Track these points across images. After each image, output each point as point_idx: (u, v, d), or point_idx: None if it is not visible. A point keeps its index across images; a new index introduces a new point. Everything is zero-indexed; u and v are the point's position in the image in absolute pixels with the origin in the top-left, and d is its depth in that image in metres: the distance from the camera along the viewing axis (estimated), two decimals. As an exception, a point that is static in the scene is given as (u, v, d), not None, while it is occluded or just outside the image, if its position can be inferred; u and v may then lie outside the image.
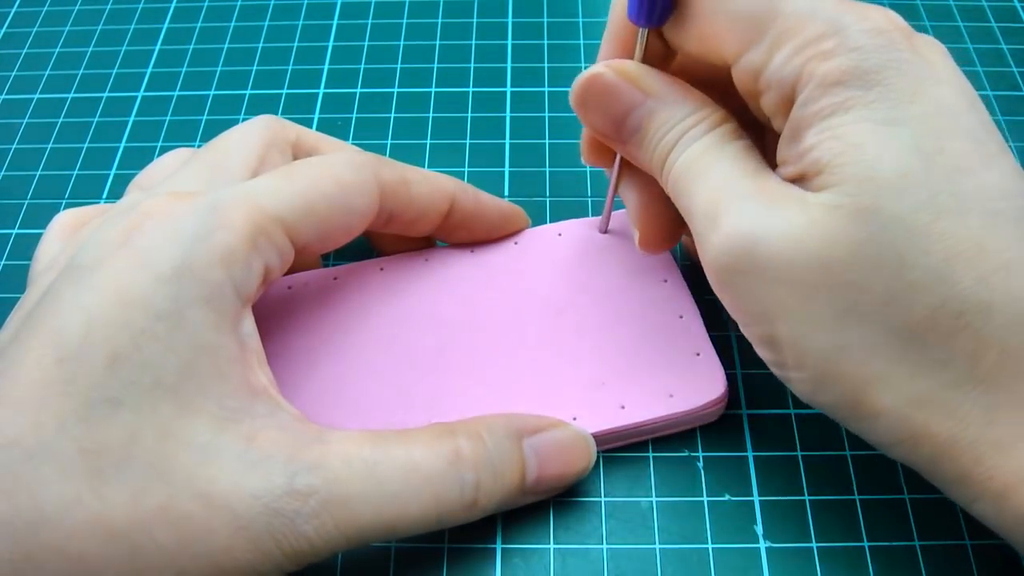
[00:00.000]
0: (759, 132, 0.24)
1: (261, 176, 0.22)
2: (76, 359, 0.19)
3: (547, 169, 0.33)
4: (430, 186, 0.25)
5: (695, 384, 0.25)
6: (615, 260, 0.28)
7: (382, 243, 0.29)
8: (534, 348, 0.26)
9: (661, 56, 0.23)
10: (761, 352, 0.21)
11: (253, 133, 0.25)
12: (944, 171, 0.18)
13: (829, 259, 0.18)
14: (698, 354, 0.25)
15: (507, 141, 0.34)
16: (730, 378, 0.26)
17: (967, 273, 0.18)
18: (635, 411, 0.24)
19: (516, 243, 0.28)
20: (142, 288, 0.19)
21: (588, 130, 0.25)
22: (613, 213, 0.28)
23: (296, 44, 0.38)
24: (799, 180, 0.20)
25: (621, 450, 0.25)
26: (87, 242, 0.20)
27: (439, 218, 0.26)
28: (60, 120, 0.35)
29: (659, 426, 0.25)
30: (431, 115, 0.35)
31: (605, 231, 0.28)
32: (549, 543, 0.24)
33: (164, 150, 0.34)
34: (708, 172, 0.21)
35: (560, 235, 0.28)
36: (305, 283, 0.27)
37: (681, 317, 0.26)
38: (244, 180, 0.23)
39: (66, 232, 0.24)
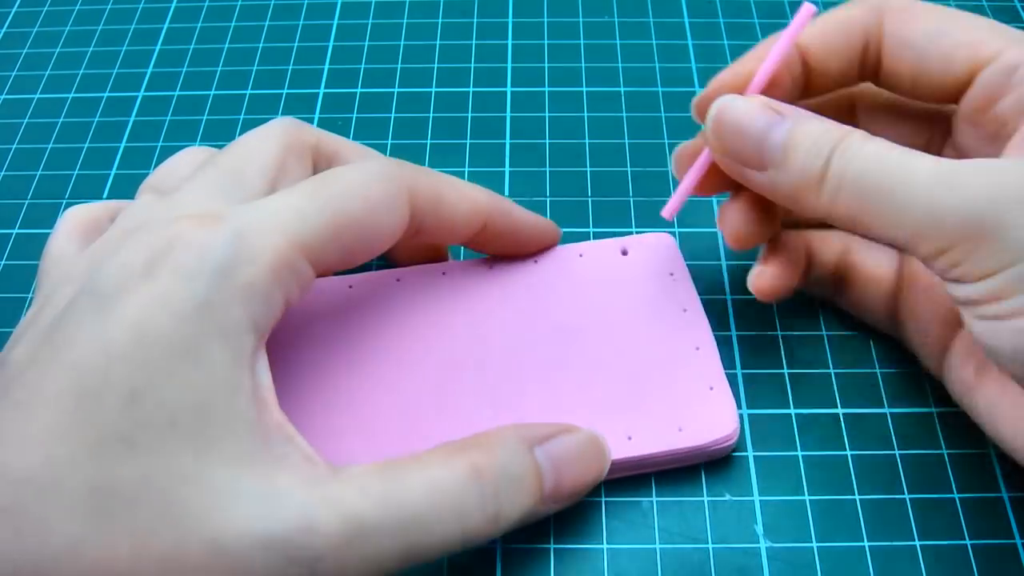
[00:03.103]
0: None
1: (285, 193, 0.21)
2: (95, 396, 0.18)
3: (547, 169, 0.33)
4: (464, 202, 0.25)
5: (706, 419, 0.24)
6: (635, 285, 0.27)
7: (396, 253, 0.28)
8: (545, 370, 0.25)
9: (793, 81, 0.24)
10: None
11: (271, 138, 0.24)
12: None
13: None
14: (712, 388, 0.25)
15: (507, 141, 0.34)
16: (730, 377, 0.26)
17: None
18: (642, 443, 0.24)
19: (536, 261, 0.28)
20: (163, 326, 0.19)
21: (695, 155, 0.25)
22: (640, 237, 0.28)
23: (296, 44, 0.38)
24: None
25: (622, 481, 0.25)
26: (108, 265, 0.20)
27: (470, 234, 0.25)
28: (60, 120, 0.35)
29: (665, 460, 0.24)
30: (431, 115, 0.35)
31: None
32: (549, 543, 0.24)
33: (164, 150, 0.34)
34: (911, 170, 0.19)
35: (581, 256, 0.28)
36: (320, 290, 0.27)
37: (698, 349, 0.26)
38: (262, 190, 0.23)
39: (77, 231, 0.23)
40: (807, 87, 0.25)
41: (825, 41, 0.24)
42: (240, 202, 0.22)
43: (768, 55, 0.23)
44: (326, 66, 0.37)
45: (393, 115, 0.35)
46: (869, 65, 0.24)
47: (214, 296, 0.19)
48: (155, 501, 0.18)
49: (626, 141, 0.34)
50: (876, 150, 0.20)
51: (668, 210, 0.25)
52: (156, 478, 0.18)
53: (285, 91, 0.36)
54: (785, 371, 0.27)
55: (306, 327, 0.26)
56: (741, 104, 0.22)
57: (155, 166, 0.33)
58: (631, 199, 0.32)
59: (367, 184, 0.22)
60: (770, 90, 0.23)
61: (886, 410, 0.26)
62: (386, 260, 0.29)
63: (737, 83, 0.23)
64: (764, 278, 0.24)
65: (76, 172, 0.34)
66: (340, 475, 0.20)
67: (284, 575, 0.18)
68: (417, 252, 0.28)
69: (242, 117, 0.35)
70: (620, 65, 0.37)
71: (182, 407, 0.18)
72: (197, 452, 0.18)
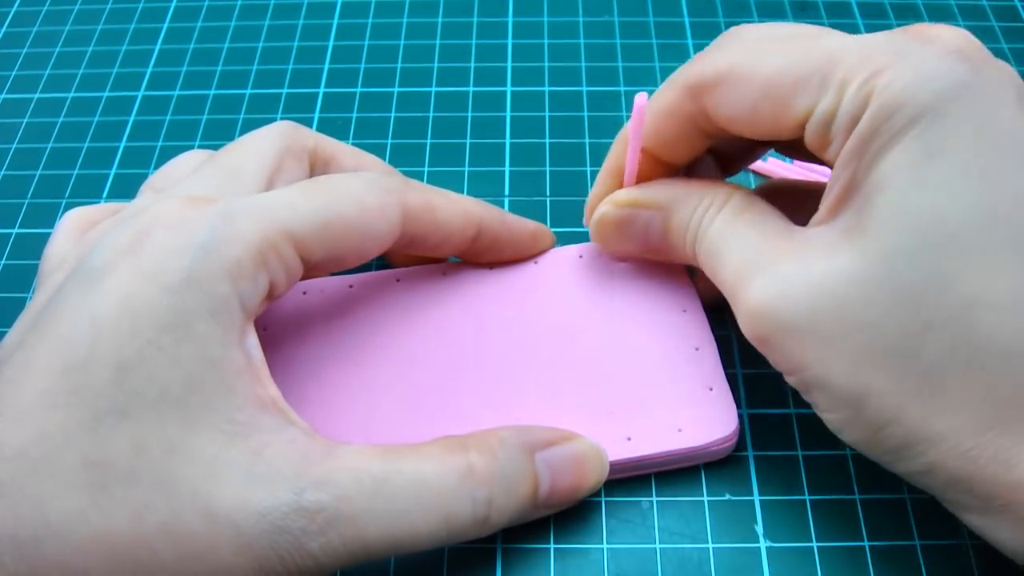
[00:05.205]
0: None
1: (279, 189, 0.22)
2: (83, 369, 0.18)
3: (547, 169, 0.33)
4: (456, 211, 0.25)
5: (706, 420, 0.24)
6: (635, 286, 0.27)
7: (394, 257, 0.29)
8: (544, 370, 0.25)
9: (656, 166, 0.25)
10: (803, 395, 0.21)
11: (270, 139, 0.24)
12: (976, 210, 0.18)
13: (848, 304, 0.19)
14: (711, 389, 0.25)
15: (507, 141, 0.34)
16: (731, 377, 0.26)
17: (985, 315, 0.18)
18: (641, 443, 0.24)
19: (536, 262, 0.28)
20: (148, 298, 0.19)
21: (595, 195, 0.26)
22: None
23: (296, 44, 0.38)
24: (845, 213, 0.19)
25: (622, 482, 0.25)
26: (97, 244, 0.20)
27: (464, 243, 0.26)
28: (60, 120, 0.35)
29: (664, 460, 0.24)
30: (431, 115, 0.35)
31: (624, 259, 0.28)
32: (549, 543, 0.24)
33: (164, 150, 0.34)
34: (725, 249, 0.22)
35: (581, 257, 0.28)
36: (320, 289, 0.27)
37: (697, 349, 0.26)
38: (259, 187, 0.23)
39: (76, 231, 0.23)
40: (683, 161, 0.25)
41: (659, 140, 0.24)
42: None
43: (627, 156, 0.24)
44: (326, 66, 0.37)
45: (393, 115, 0.35)
46: (717, 135, 0.23)
47: (200, 270, 0.19)
48: (148, 472, 0.18)
49: (626, 141, 0.34)
50: (709, 239, 0.22)
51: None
52: (148, 450, 0.18)
53: (285, 91, 0.36)
54: (785, 371, 0.27)
55: (306, 326, 0.26)
56: (613, 212, 0.25)
57: (155, 166, 0.33)
58: (631, 199, 0.32)
59: (361, 189, 0.22)
60: (642, 177, 0.25)
61: (886, 410, 0.26)
62: (387, 263, 0.29)
63: (608, 189, 0.25)
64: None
65: (76, 172, 0.33)
66: (335, 453, 0.20)
67: (274, 544, 0.18)
68: (416, 262, 0.28)
69: (242, 117, 0.35)
70: (620, 65, 0.37)
71: (171, 379, 0.19)
72: (187, 424, 0.19)
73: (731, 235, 0.22)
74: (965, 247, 0.18)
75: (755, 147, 0.27)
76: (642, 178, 0.25)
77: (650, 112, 0.23)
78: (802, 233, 0.21)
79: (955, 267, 0.18)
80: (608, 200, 0.25)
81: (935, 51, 0.18)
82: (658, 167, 0.25)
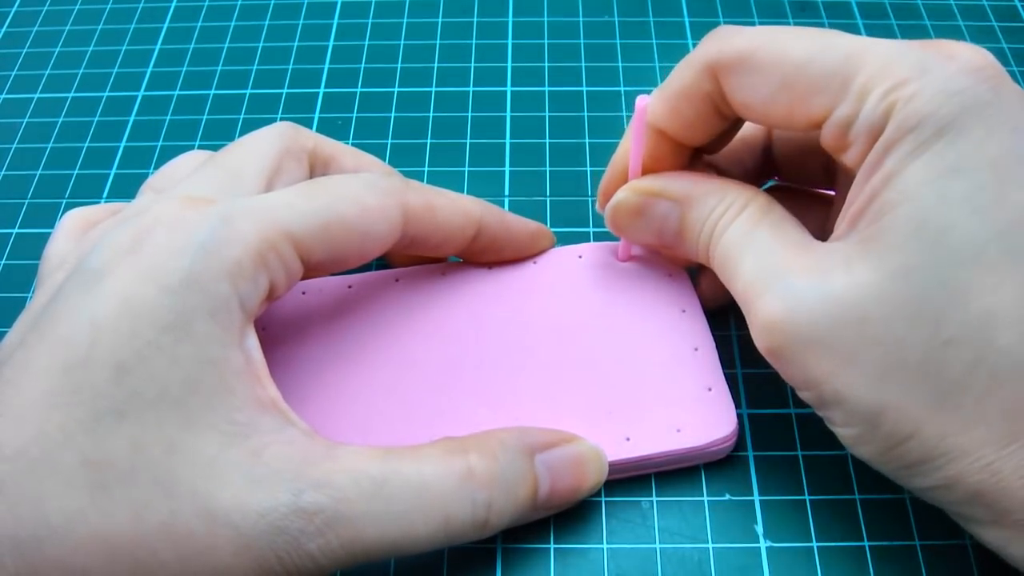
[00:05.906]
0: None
1: (279, 191, 0.22)
2: (83, 369, 0.18)
3: (547, 169, 0.33)
4: (456, 211, 0.25)
5: (704, 420, 0.24)
6: (634, 286, 0.27)
7: (394, 257, 0.29)
8: (543, 370, 0.25)
9: (672, 151, 0.24)
10: (816, 410, 0.21)
11: (270, 140, 0.24)
12: (997, 225, 0.18)
13: (868, 319, 0.18)
14: (710, 389, 0.25)
15: (507, 141, 0.34)
16: (730, 377, 0.26)
17: (1007, 332, 0.18)
18: (640, 444, 0.24)
19: (535, 262, 0.28)
20: (148, 299, 0.19)
21: (607, 182, 0.26)
22: None
23: (296, 44, 0.38)
24: (863, 225, 0.19)
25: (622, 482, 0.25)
26: (97, 244, 0.20)
27: (464, 242, 0.26)
28: (60, 120, 0.35)
29: (663, 461, 0.24)
30: (431, 115, 0.35)
31: (625, 259, 0.28)
32: (549, 543, 0.24)
33: (164, 150, 0.34)
34: (741, 257, 0.21)
35: (580, 257, 0.28)
36: (319, 289, 0.27)
37: (696, 350, 0.26)
38: (258, 188, 0.23)
39: (76, 231, 0.23)
40: (700, 148, 0.24)
41: (676, 121, 0.23)
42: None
43: (630, 149, 0.24)
44: (326, 66, 0.37)
45: (393, 115, 0.35)
46: (733, 116, 0.23)
47: (200, 271, 0.19)
48: (147, 472, 0.18)
49: (626, 141, 0.34)
50: (726, 244, 0.22)
51: (622, 254, 0.27)
52: (147, 450, 0.18)
53: (285, 91, 0.36)
54: (785, 371, 0.27)
55: (305, 326, 0.26)
56: (632, 198, 0.24)
57: (155, 166, 0.33)
58: (631, 199, 0.32)
59: (362, 191, 0.22)
60: (657, 165, 0.24)
61: (886, 410, 0.26)
62: (387, 263, 0.29)
63: (619, 175, 0.25)
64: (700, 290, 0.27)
65: (76, 172, 0.33)
66: (334, 454, 0.20)
67: (272, 545, 0.18)
68: (415, 262, 0.28)
69: (242, 117, 0.35)
70: (620, 65, 0.37)
71: (171, 379, 0.19)
72: (186, 424, 0.19)
73: (747, 243, 0.21)
74: (984, 263, 0.18)
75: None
76: (659, 159, 0.24)
77: (666, 93, 0.23)
78: (819, 245, 0.20)
79: (975, 283, 0.18)
80: (628, 186, 0.24)
81: (957, 67, 0.19)
82: (675, 149, 0.24)
